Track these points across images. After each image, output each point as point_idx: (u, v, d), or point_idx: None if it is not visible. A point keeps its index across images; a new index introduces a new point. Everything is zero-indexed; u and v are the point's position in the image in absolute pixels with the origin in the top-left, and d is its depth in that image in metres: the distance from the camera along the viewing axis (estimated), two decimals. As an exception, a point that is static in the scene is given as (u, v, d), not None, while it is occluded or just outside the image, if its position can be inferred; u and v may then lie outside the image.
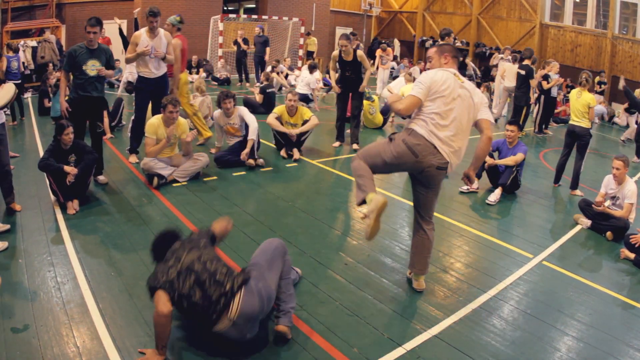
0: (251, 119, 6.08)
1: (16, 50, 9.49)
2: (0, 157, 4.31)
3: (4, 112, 4.80)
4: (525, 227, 5.05)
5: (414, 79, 12.22)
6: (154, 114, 6.08)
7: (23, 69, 10.51)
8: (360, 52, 6.94)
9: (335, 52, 6.99)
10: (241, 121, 6.16)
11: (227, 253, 3.91)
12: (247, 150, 5.97)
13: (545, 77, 9.74)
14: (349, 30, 19.58)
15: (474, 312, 3.36)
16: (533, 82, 9.02)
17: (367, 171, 3.24)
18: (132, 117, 6.41)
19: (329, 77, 13.31)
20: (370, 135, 8.34)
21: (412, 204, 5.41)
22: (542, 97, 9.94)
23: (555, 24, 15.78)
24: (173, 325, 2.97)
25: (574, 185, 6.25)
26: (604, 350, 3.05)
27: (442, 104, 3.15)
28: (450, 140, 3.18)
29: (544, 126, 10.28)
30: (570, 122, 6.23)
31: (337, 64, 7.02)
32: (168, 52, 5.91)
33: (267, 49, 12.85)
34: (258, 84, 12.59)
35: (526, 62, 9.07)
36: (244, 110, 6.19)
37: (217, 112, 6.30)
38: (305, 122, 6.69)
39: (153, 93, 5.94)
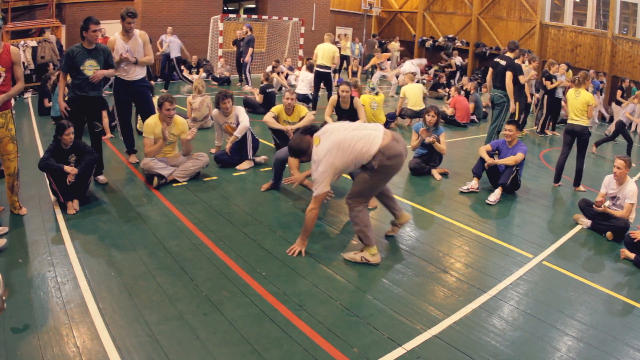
0: (244, 119, 6.09)
1: None
2: None
3: None
4: (525, 227, 5.05)
5: (418, 80, 12.28)
6: (143, 118, 6.07)
7: (23, 69, 10.51)
8: (357, 101, 6.97)
9: (334, 98, 6.99)
10: (237, 120, 6.17)
11: (227, 253, 3.92)
12: (228, 145, 6.07)
13: (549, 78, 9.72)
14: (349, 30, 19.60)
15: (474, 312, 3.36)
16: (522, 79, 9.01)
17: (370, 221, 3.91)
18: (114, 123, 6.40)
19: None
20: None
21: (412, 204, 5.42)
22: (545, 97, 9.93)
23: (555, 24, 15.78)
24: (173, 325, 2.97)
25: (577, 182, 6.30)
26: (604, 350, 3.05)
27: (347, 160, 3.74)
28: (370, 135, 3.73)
29: (550, 126, 10.27)
30: (569, 121, 6.25)
31: (334, 110, 7.05)
32: (146, 53, 5.73)
33: (250, 50, 12.43)
34: (249, 87, 12.60)
35: (517, 61, 9.10)
36: (240, 110, 6.21)
37: (216, 111, 6.31)
38: (302, 119, 6.73)
39: (133, 98, 5.85)
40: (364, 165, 3.74)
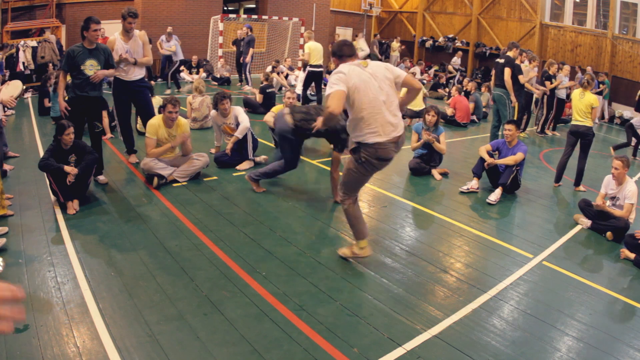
0: (243, 119, 6.09)
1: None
2: None
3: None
4: (525, 227, 5.05)
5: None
6: (142, 118, 6.08)
7: (23, 69, 10.52)
8: None
9: None
10: (236, 121, 6.17)
11: (227, 253, 3.92)
12: (229, 145, 6.05)
13: (549, 78, 9.72)
14: (349, 31, 19.59)
15: (474, 312, 3.36)
16: (521, 79, 9.03)
17: (360, 215, 3.82)
18: (114, 123, 6.41)
19: (328, 77, 13.10)
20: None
21: (412, 204, 5.42)
22: (545, 97, 9.93)
23: (556, 24, 15.77)
24: (173, 325, 2.97)
25: (578, 182, 6.32)
26: (604, 350, 3.05)
27: (362, 104, 3.36)
28: (392, 122, 3.45)
29: (550, 126, 10.26)
30: (573, 122, 6.26)
31: None
32: (145, 54, 5.72)
33: (250, 50, 12.46)
34: (248, 86, 12.61)
35: (516, 60, 9.13)
36: (239, 110, 6.21)
37: (214, 112, 6.32)
38: None
39: (132, 98, 5.84)
40: (354, 149, 3.53)
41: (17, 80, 4.79)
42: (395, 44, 18.00)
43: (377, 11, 20.29)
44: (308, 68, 10.16)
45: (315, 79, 10.17)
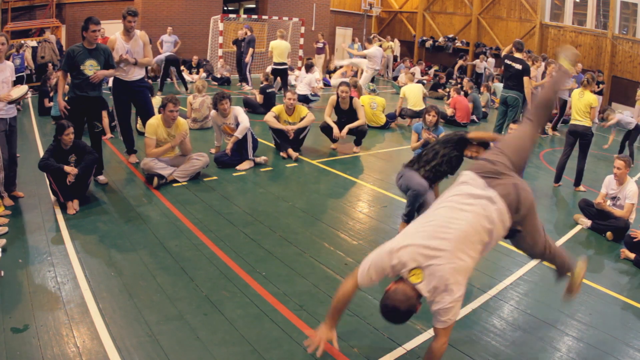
0: (243, 119, 6.09)
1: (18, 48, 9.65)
2: (10, 147, 4.52)
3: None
4: (525, 227, 5.04)
5: (418, 80, 12.24)
6: (142, 118, 6.09)
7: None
8: (356, 101, 7.02)
9: (333, 98, 7.02)
10: (236, 121, 6.17)
11: (227, 253, 3.92)
12: (229, 146, 6.04)
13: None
14: (349, 30, 19.59)
15: (474, 312, 3.36)
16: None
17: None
18: (114, 123, 6.43)
19: (329, 78, 13.20)
20: (374, 135, 8.30)
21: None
22: None
23: (555, 24, 15.78)
24: (173, 325, 2.97)
25: (578, 182, 6.32)
26: (604, 350, 3.05)
27: None
28: None
29: (551, 126, 10.27)
30: (572, 121, 6.26)
31: (334, 110, 7.06)
32: (145, 54, 5.71)
33: (251, 50, 12.40)
34: (248, 87, 12.62)
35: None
36: (238, 111, 6.20)
37: (214, 113, 6.32)
38: (302, 119, 6.74)
39: (131, 98, 5.83)
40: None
41: (25, 85, 4.90)
42: (386, 44, 17.82)
43: (377, 11, 20.30)
44: (272, 65, 10.75)
45: (279, 75, 10.87)
